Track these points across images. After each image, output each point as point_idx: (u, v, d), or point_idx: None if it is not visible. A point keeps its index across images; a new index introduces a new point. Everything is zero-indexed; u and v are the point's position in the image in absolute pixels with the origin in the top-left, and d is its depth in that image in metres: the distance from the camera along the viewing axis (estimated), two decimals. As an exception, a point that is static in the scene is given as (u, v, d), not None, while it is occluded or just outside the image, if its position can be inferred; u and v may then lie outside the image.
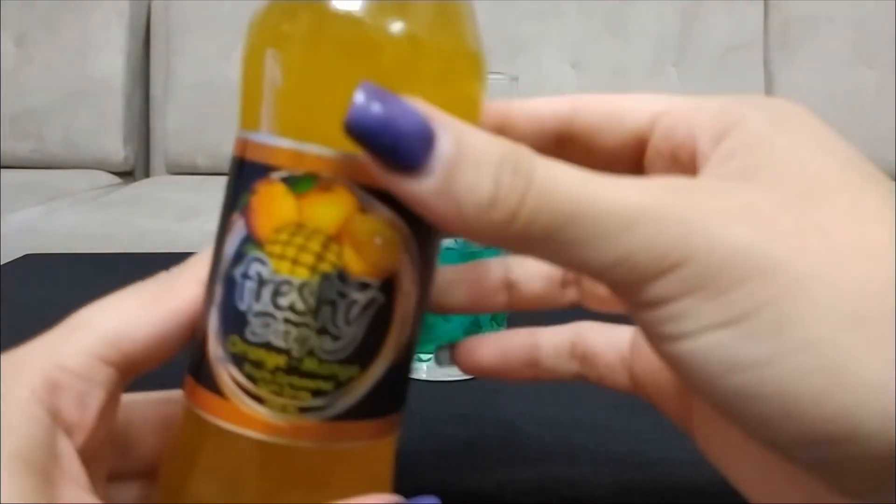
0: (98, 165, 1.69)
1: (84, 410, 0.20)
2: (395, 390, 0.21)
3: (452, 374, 0.42)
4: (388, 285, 0.20)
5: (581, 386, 0.41)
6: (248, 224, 0.19)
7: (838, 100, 1.67)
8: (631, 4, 1.68)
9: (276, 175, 0.19)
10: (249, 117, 0.20)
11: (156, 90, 1.76)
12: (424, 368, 0.42)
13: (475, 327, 0.41)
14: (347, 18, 0.19)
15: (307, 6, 0.19)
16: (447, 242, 0.39)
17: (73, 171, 1.66)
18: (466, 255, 0.40)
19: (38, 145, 1.68)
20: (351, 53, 0.19)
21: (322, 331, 0.19)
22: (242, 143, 0.20)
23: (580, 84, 1.68)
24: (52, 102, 1.67)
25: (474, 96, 0.21)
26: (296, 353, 0.19)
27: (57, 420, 0.19)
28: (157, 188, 1.57)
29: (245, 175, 0.20)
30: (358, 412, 0.20)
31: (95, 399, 0.20)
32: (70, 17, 1.68)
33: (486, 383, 0.41)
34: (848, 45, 1.69)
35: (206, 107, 1.66)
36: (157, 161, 1.78)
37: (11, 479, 0.17)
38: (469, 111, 0.21)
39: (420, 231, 0.20)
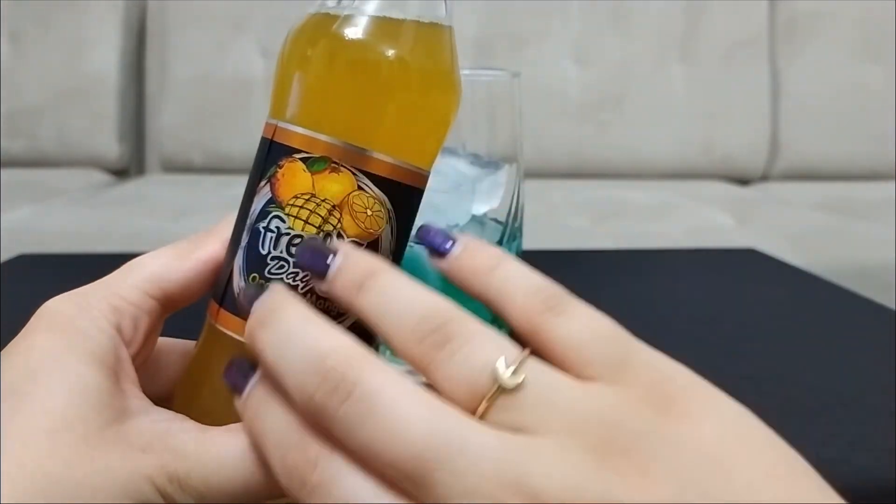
0: (92, 163, 1.66)
1: (136, 331, 0.26)
2: None
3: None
4: (373, 245, 0.26)
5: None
6: (273, 190, 0.25)
7: (844, 95, 1.65)
8: (634, -1, 1.67)
9: (297, 155, 0.25)
10: (279, 109, 0.26)
11: (150, 87, 1.73)
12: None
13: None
14: (353, 45, 0.25)
15: (325, 35, 0.25)
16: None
17: (66, 169, 1.63)
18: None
19: (31, 144, 1.65)
20: (355, 69, 0.25)
21: None
22: (272, 128, 0.26)
23: (583, 80, 1.66)
24: (45, 100, 1.64)
25: (448, 107, 0.27)
26: (301, 289, 0.25)
27: (119, 334, 0.25)
28: (152, 186, 1.55)
29: (273, 153, 0.26)
30: None
31: (144, 323, 0.26)
32: (64, 13, 1.65)
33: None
34: (854, 41, 1.68)
35: (201, 104, 1.64)
36: (151, 159, 1.76)
37: (89, 368, 0.23)
38: (443, 118, 0.27)
39: (399, 207, 0.26)
